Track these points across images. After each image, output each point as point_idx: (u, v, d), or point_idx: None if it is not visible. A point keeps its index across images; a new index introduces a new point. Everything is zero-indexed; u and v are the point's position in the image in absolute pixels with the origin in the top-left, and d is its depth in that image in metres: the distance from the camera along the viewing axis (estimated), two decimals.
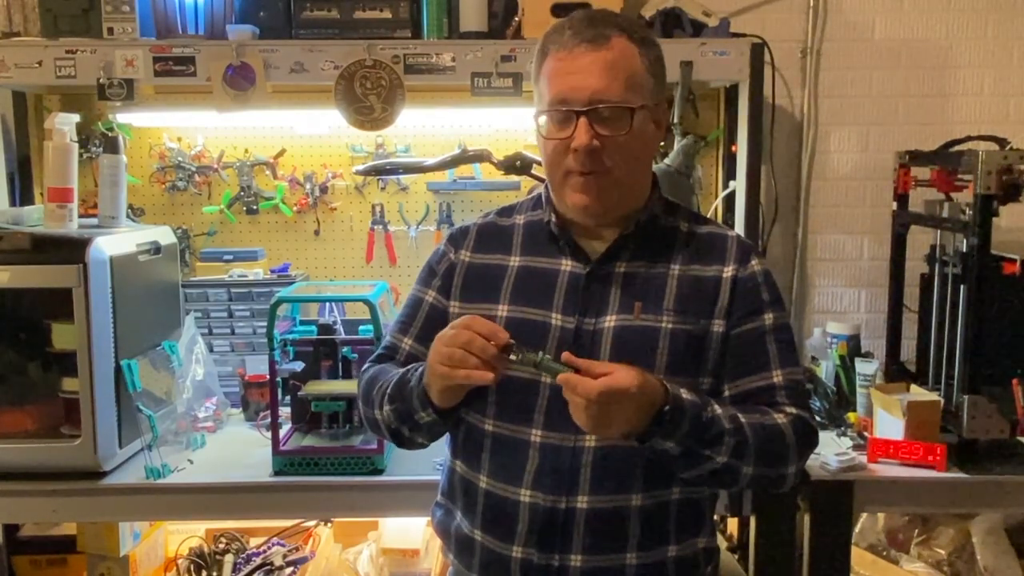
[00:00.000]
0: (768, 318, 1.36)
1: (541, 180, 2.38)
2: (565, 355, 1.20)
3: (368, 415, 1.45)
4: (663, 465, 1.29)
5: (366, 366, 1.51)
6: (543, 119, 1.33)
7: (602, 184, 1.31)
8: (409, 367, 1.39)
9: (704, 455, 1.25)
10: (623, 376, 1.17)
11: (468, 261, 1.44)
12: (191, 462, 2.01)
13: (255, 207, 2.56)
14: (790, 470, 1.32)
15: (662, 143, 2.33)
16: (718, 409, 1.27)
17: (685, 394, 1.24)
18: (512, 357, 1.22)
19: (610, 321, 1.33)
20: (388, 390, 1.38)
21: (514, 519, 1.33)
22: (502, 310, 1.37)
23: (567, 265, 1.38)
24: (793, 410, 1.33)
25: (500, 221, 1.48)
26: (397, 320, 1.51)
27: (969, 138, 2.13)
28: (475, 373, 1.22)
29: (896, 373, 2.27)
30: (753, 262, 1.38)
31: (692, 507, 1.37)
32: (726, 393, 1.35)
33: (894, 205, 2.30)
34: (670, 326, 1.32)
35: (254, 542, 2.37)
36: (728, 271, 1.36)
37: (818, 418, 2.17)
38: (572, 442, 1.31)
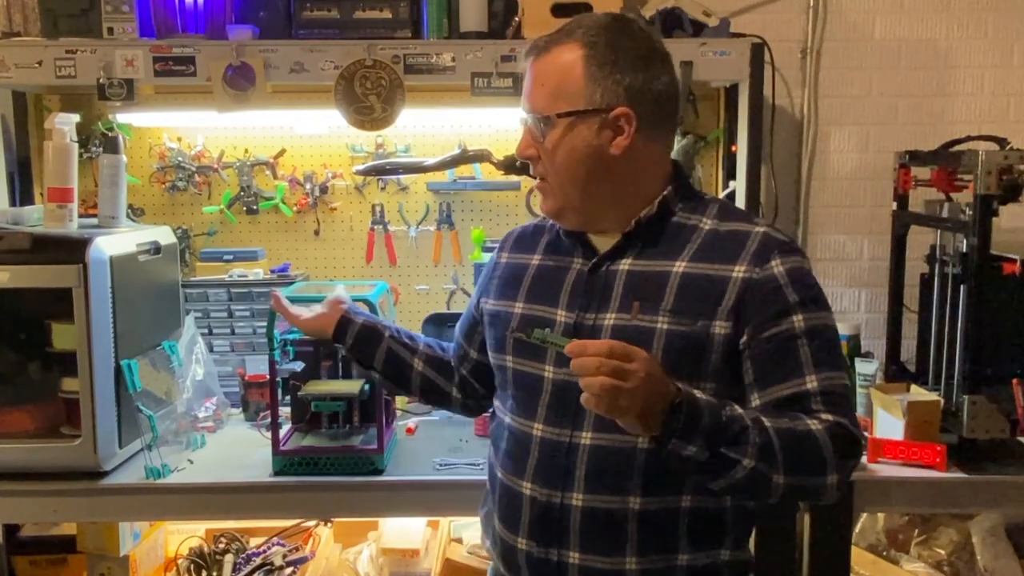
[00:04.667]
0: (797, 320, 1.27)
1: None
2: (573, 339, 1.18)
3: None
4: (667, 470, 1.24)
5: None
6: None
7: (546, 190, 1.38)
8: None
9: (730, 458, 1.17)
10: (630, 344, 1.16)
11: (504, 261, 1.52)
12: (191, 462, 2.01)
13: (255, 207, 2.56)
14: (829, 480, 1.23)
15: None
16: (738, 409, 1.21)
17: (699, 394, 1.19)
18: (526, 337, 1.24)
19: (609, 319, 1.32)
20: None
21: (519, 511, 1.34)
22: (518, 307, 1.42)
23: (577, 263, 1.40)
24: (829, 416, 1.24)
25: (541, 223, 1.53)
26: None
27: (969, 138, 2.13)
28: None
29: (896, 373, 2.27)
30: (774, 262, 1.29)
31: (708, 516, 1.31)
32: (756, 404, 1.27)
33: (894, 205, 2.30)
34: (665, 327, 1.28)
35: (254, 542, 2.37)
36: (739, 271, 1.29)
37: None
38: (568, 438, 1.31)
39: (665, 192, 1.37)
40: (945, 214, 2.08)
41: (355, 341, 1.62)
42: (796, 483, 1.22)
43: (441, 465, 1.96)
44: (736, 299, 1.28)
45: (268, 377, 1.97)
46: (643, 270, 1.34)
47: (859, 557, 2.25)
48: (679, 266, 1.32)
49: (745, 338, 1.28)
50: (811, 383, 1.26)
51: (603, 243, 1.39)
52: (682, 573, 1.31)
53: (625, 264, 1.35)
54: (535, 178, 1.40)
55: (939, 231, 2.13)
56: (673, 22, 2.26)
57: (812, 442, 1.21)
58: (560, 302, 1.37)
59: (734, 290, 1.28)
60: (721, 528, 1.34)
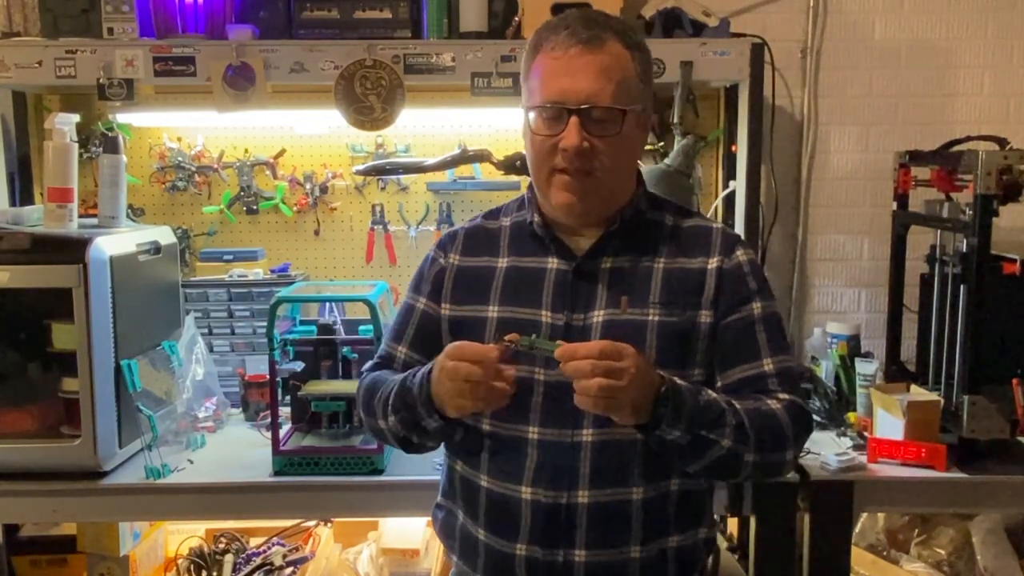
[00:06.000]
0: (756, 307, 1.37)
1: None
2: (560, 343, 1.22)
3: (372, 425, 1.44)
4: (662, 457, 1.30)
5: (363, 374, 1.51)
6: (532, 115, 1.35)
7: (587, 185, 1.33)
8: (407, 374, 1.38)
9: (710, 439, 1.25)
10: (618, 342, 1.20)
11: (457, 264, 1.46)
12: (191, 462, 2.01)
13: (255, 207, 2.56)
14: (788, 455, 1.33)
15: (661, 143, 2.34)
16: (712, 393, 1.29)
17: (679, 380, 1.26)
18: (511, 346, 1.24)
19: (598, 316, 1.34)
20: (390, 400, 1.37)
21: (517, 517, 1.34)
22: (492, 311, 1.39)
23: (553, 263, 1.39)
24: (786, 396, 1.34)
25: (487, 224, 1.50)
26: (391, 328, 1.52)
27: (969, 138, 2.13)
28: (493, 401, 1.24)
29: (896, 373, 2.27)
30: (738, 252, 1.39)
31: (692, 498, 1.38)
32: (719, 384, 1.36)
33: (894, 205, 2.30)
34: (657, 319, 1.34)
35: (254, 542, 2.37)
36: (713, 262, 1.38)
37: (818, 418, 2.19)
38: (570, 437, 1.32)
39: (639, 191, 1.43)
40: (945, 214, 2.08)
41: None
42: (763, 460, 1.30)
43: (441, 465, 1.96)
44: (715, 288, 1.36)
45: (268, 377, 1.97)
46: (625, 266, 1.38)
47: (859, 557, 2.25)
48: (659, 261, 1.38)
49: (712, 321, 1.36)
50: (768, 365, 1.36)
51: (576, 243, 1.40)
52: (672, 555, 1.36)
53: (607, 262, 1.38)
54: (566, 174, 1.32)
55: (939, 231, 2.14)
56: (673, 22, 2.26)
57: (775, 421, 1.30)
58: (543, 303, 1.37)
59: (712, 280, 1.37)
60: (701, 508, 1.41)
